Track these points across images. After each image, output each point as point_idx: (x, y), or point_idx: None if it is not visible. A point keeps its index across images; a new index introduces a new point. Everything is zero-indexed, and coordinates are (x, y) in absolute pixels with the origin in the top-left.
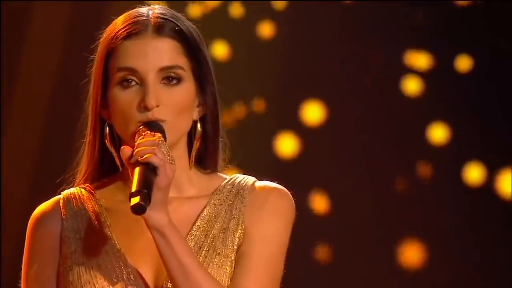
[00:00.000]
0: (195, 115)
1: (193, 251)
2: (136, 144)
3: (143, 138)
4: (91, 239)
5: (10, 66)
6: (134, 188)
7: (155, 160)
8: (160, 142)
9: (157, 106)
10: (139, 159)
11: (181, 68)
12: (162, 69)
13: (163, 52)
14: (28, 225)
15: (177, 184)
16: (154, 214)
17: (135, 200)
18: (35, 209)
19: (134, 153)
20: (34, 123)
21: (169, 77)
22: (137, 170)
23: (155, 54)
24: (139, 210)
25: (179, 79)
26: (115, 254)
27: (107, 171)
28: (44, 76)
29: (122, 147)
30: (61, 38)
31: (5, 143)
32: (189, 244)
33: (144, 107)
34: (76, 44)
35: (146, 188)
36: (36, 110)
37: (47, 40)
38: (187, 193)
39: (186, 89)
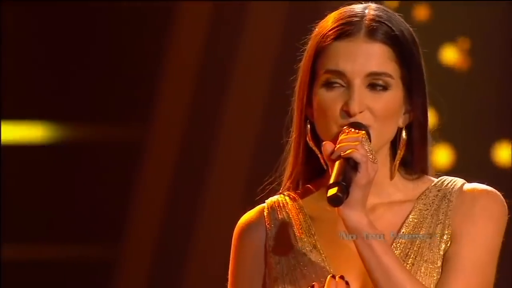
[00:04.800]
0: (401, 122)
1: (395, 254)
2: (339, 140)
3: (346, 135)
4: (295, 249)
5: (227, 64)
6: (332, 180)
7: (357, 156)
8: (363, 139)
9: (360, 112)
10: (341, 154)
11: (389, 76)
12: (370, 75)
13: (373, 57)
14: (234, 234)
15: (381, 189)
16: (353, 214)
17: (332, 191)
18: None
19: (336, 148)
20: (249, 127)
21: (376, 84)
22: (337, 163)
23: (364, 58)
24: (335, 201)
25: (386, 86)
26: (320, 264)
27: (312, 174)
28: (260, 72)
29: (324, 142)
30: (279, 34)
31: (220, 147)
32: (395, 252)
33: (346, 112)
34: (291, 38)
35: (344, 182)
36: (250, 114)
37: (264, 36)
38: (391, 198)
39: (393, 97)
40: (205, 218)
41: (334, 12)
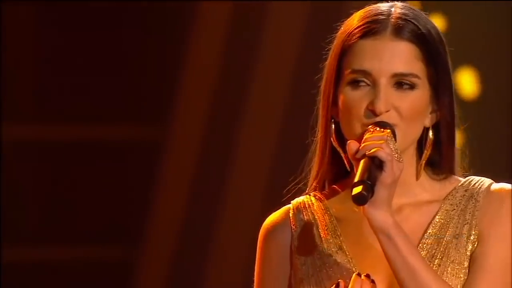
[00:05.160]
0: (427, 122)
1: (421, 254)
2: (364, 138)
3: (371, 133)
4: (321, 250)
5: (247, 64)
6: (357, 178)
7: (382, 154)
8: (388, 138)
9: (386, 111)
10: (366, 152)
11: (416, 76)
12: (396, 75)
13: (399, 57)
14: (259, 235)
15: (407, 189)
16: (378, 214)
17: (357, 189)
18: (267, 217)
19: (360, 147)
20: (270, 127)
21: (402, 83)
22: (362, 162)
23: (391, 58)
24: (360, 200)
25: (412, 86)
26: (346, 265)
27: (338, 175)
28: (281, 71)
29: (349, 141)
30: (300, 33)
31: (241, 147)
32: (421, 252)
33: (372, 111)
34: (313, 36)
35: (369, 181)
36: (271, 114)
37: (285, 35)
38: (418, 198)
39: (419, 96)
40: (226, 219)
41: (360, 11)
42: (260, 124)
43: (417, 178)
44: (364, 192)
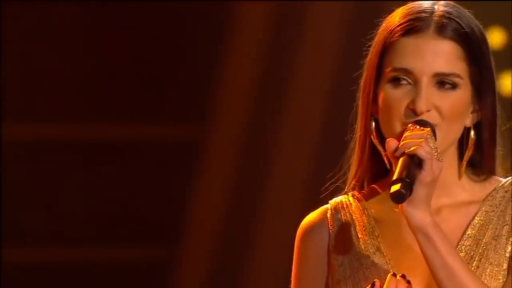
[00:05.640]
0: (469, 121)
1: (459, 255)
2: (403, 137)
3: (411, 132)
4: (358, 251)
5: (288, 62)
6: (396, 176)
7: (421, 153)
8: (428, 136)
9: (427, 111)
10: (405, 151)
11: (458, 76)
12: (438, 74)
13: (441, 56)
14: (297, 235)
15: (447, 190)
16: (416, 213)
17: (395, 187)
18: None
19: (400, 145)
20: (310, 126)
21: (444, 82)
22: (401, 160)
23: (433, 57)
24: (398, 198)
25: (454, 86)
26: (384, 267)
27: (377, 174)
28: (322, 69)
29: (388, 139)
30: (342, 28)
31: (281, 146)
32: (460, 254)
33: (413, 110)
34: (356, 31)
35: (408, 179)
36: (312, 113)
37: (326, 32)
38: (457, 199)
39: (461, 96)
40: (265, 219)
41: (402, 7)
42: (300, 123)
43: (458, 179)
44: (402, 190)
